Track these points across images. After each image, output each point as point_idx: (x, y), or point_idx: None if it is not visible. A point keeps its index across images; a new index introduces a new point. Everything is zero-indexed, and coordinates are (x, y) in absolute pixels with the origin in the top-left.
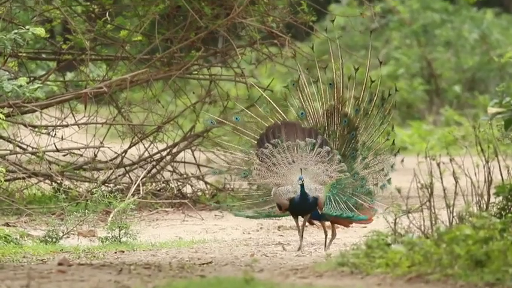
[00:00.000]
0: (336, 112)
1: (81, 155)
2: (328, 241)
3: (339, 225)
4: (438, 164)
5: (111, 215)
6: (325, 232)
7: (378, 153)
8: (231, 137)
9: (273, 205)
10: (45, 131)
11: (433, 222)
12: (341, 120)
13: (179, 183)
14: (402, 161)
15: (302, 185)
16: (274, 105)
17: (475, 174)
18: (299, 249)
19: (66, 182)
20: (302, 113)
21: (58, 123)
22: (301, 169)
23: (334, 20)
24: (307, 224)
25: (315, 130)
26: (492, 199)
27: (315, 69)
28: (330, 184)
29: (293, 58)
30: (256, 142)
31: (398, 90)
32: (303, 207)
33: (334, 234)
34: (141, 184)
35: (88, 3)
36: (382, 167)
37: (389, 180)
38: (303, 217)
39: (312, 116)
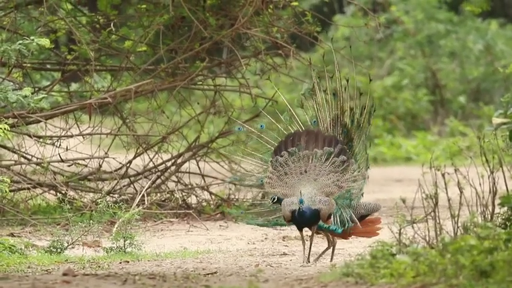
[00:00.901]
0: (338, 122)
1: (86, 166)
2: (330, 251)
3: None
4: (443, 175)
5: (116, 226)
6: (329, 242)
7: (361, 167)
8: (255, 144)
9: (280, 214)
10: (50, 141)
11: (438, 232)
12: (342, 131)
13: (184, 194)
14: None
15: (301, 203)
16: (294, 113)
17: (480, 184)
18: (304, 261)
19: (71, 193)
20: (315, 121)
21: (63, 134)
22: (300, 192)
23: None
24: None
25: (336, 138)
26: (497, 210)
27: (324, 79)
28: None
29: (308, 65)
30: (273, 150)
31: (375, 109)
32: (302, 221)
33: (333, 244)
34: (145, 194)
35: (93, 14)
36: (361, 181)
37: (362, 195)
38: (310, 228)
39: (322, 125)
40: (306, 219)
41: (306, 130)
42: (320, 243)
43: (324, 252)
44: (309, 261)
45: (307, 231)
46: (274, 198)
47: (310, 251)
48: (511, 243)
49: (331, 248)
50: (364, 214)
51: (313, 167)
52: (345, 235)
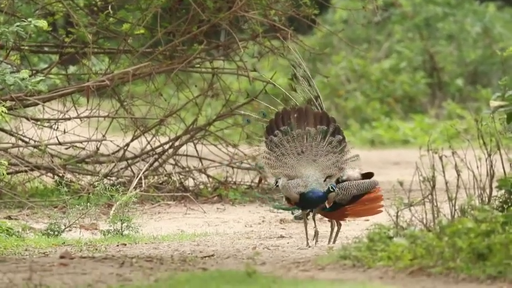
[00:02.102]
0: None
1: (84, 148)
2: (334, 235)
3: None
4: (440, 157)
5: (113, 208)
6: (332, 226)
7: None
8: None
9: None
10: (48, 124)
11: (435, 215)
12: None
13: (181, 177)
14: None
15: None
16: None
17: (477, 167)
18: (307, 244)
19: (68, 175)
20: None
21: (60, 117)
22: (327, 177)
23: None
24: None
25: (327, 115)
26: (494, 192)
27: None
28: None
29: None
30: (265, 130)
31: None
32: (313, 203)
33: (338, 226)
34: (143, 177)
35: None
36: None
37: None
38: (311, 210)
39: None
40: (319, 201)
41: (294, 107)
42: (317, 225)
43: (335, 234)
44: (308, 245)
45: None
46: (277, 182)
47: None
48: (508, 226)
49: (336, 230)
50: (357, 194)
51: (309, 147)
52: (340, 216)
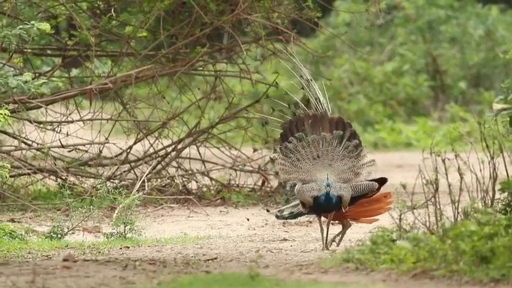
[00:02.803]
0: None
1: (86, 151)
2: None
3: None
4: (443, 160)
5: (116, 211)
6: (343, 226)
7: None
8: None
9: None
10: (50, 127)
11: (438, 218)
12: None
13: (184, 179)
14: None
15: (328, 186)
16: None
17: (480, 170)
18: (323, 249)
19: (71, 178)
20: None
21: (63, 119)
22: (327, 174)
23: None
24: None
25: (343, 120)
26: (497, 195)
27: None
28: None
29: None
30: (279, 136)
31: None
32: (327, 207)
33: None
34: (146, 180)
35: (93, 0)
36: None
37: None
38: (326, 216)
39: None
40: (331, 205)
41: (309, 114)
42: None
43: (340, 235)
44: (328, 248)
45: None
46: (291, 186)
47: (327, 237)
48: (511, 228)
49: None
50: (355, 196)
51: (325, 151)
52: (339, 217)
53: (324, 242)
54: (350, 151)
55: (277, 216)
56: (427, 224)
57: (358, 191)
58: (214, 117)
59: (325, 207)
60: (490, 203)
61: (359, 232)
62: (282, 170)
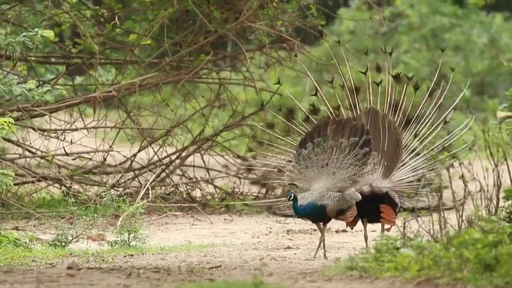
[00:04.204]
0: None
1: (91, 159)
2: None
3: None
4: (447, 168)
5: (121, 219)
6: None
7: None
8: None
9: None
10: (55, 134)
11: (442, 226)
12: None
13: (188, 187)
14: None
15: (294, 199)
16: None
17: (484, 178)
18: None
19: (76, 186)
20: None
21: (67, 127)
22: (290, 184)
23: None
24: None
25: (363, 127)
26: (501, 203)
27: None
28: None
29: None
30: (299, 142)
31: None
32: (310, 216)
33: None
34: (150, 188)
35: (97, 7)
36: None
37: None
38: (323, 224)
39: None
40: (307, 214)
41: (334, 118)
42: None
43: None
44: (322, 256)
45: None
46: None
47: (319, 246)
48: None
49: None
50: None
51: (335, 159)
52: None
53: (316, 249)
54: (358, 159)
55: (274, 213)
56: (431, 232)
57: (351, 199)
58: (218, 125)
59: (308, 215)
60: (494, 211)
61: (363, 240)
62: (289, 176)
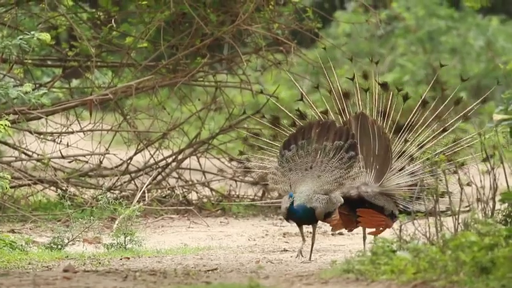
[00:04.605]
0: None
1: (87, 162)
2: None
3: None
4: (444, 171)
5: (117, 222)
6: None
7: None
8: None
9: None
10: (51, 137)
11: (439, 229)
12: None
13: (184, 190)
14: None
15: (292, 202)
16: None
17: (481, 181)
18: (297, 256)
19: (72, 189)
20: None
21: (63, 130)
22: (290, 185)
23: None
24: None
25: (348, 131)
26: (497, 206)
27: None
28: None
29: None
30: (282, 144)
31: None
32: (298, 218)
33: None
34: (146, 191)
35: (93, 10)
36: None
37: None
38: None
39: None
40: (298, 216)
41: (318, 121)
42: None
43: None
44: (311, 259)
45: (307, 228)
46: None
47: (312, 248)
48: None
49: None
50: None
51: (319, 162)
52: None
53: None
54: (343, 162)
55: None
56: (428, 234)
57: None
58: (214, 128)
59: (295, 218)
60: (490, 214)
61: (359, 243)
62: (272, 179)
